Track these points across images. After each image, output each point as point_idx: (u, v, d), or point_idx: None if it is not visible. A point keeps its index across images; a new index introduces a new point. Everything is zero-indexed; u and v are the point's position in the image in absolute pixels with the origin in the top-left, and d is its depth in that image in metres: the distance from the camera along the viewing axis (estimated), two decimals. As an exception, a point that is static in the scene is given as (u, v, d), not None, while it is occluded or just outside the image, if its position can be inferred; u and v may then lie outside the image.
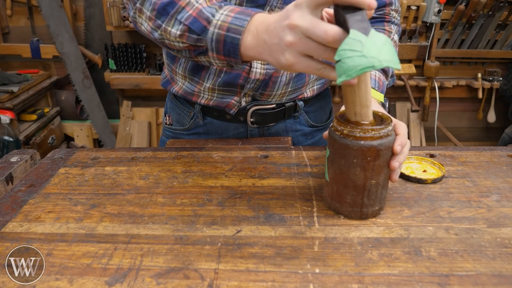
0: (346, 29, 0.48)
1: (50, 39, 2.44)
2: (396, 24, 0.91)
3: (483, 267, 0.50)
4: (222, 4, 0.64)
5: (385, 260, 0.52)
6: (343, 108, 0.67)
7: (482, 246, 0.54)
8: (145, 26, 0.70)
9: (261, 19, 0.58)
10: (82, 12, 2.51)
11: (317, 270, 0.50)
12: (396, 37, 0.90)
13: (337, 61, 0.48)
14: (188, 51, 0.67)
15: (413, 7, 2.34)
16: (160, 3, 0.66)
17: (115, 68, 2.46)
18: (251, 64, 0.80)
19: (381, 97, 0.80)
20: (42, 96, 2.51)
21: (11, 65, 2.61)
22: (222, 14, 0.61)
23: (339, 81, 0.48)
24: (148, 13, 0.68)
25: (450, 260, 0.52)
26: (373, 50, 0.46)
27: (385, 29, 0.88)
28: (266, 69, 0.81)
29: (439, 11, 2.31)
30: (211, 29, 0.61)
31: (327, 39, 0.48)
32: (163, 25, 0.67)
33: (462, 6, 2.26)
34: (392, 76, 0.89)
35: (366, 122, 0.57)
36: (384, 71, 0.84)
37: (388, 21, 0.89)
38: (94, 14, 2.50)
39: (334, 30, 0.48)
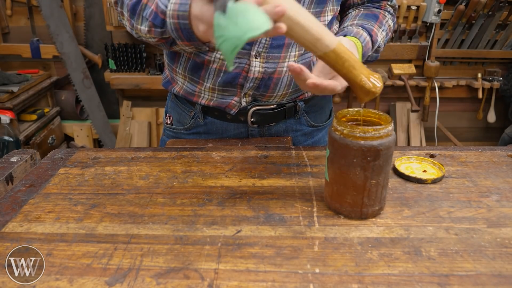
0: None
1: (50, 39, 2.44)
2: (391, 14, 0.93)
3: (483, 267, 0.50)
4: None
5: (385, 260, 0.52)
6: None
7: (482, 246, 0.54)
8: (127, 27, 0.76)
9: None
10: (82, 12, 2.51)
11: (317, 270, 0.50)
12: (390, 22, 0.91)
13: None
14: (163, 44, 0.72)
15: (413, 7, 2.34)
16: (131, 3, 0.72)
17: (115, 68, 2.46)
18: (249, 63, 0.80)
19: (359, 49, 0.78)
20: (42, 96, 2.51)
21: (11, 65, 2.61)
22: (172, 3, 0.65)
23: (230, 69, 0.51)
24: (126, 15, 0.75)
25: (450, 260, 0.52)
26: (232, 29, 0.47)
27: (380, 12, 0.90)
28: (265, 67, 0.81)
29: (439, 11, 2.30)
30: (168, 20, 0.66)
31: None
32: (135, 24, 0.73)
33: (462, 6, 2.26)
34: (377, 51, 0.88)
35: (332, 48, 0.57)
36: (372, 41, 0.83)
37: (383, 9, 0.91)
38: (94, 14, 2.50)
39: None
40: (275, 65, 0.82)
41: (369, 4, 0.92)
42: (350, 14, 0.92)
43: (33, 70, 2.57)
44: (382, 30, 0.88)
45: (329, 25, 0.87)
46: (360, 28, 0.82)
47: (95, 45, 2.59)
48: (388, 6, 0.93)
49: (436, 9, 2.29)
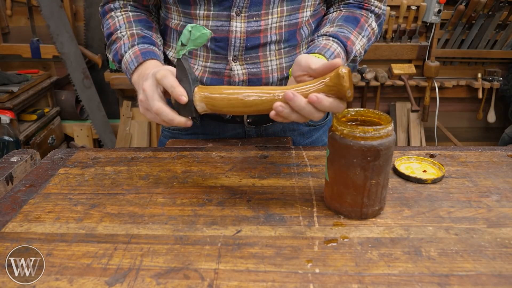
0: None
1: (50, 39, 2.44)
2: (375, 14, 0.88)
3: (483, 267, 0.50)
4: (135, 43, 0.83)
5: (385, 260, 0.52)
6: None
7: (482, 246, 0.54)
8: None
9: (141, 70, 0.79)
10: (82, 12, 2.51)
11: (317, 270, 0.50)
12: (374, 24, 0.87)
13: None
14: None
15: (413, 7, 2.34)
16: (106, 32, 0.89)
17: (115, 68, 2.46)
18: (230, 24, 0.79)
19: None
20: (42, 96, 2.51)
21: (11, 65, 2.61)
22: (128, 54, 0.82)
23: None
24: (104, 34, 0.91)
25: (450, 260, 0.52)
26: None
27: (362, 14, 0.86)
28: (247, 26, 0.79)
29: (439, 11, 2.31)
30: (122, 62, 0.85)
31: (153, 109, 0.68)
32: (106, 50, 0.91)
33: (462, 6, 2.26)
34: (354, 61, 0.85)
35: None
36: (347, 52, 0.81)
37: (366, 9, 0.87)
38: (94, 14, 2.50)
39: (156, 106, 0.67)
40: (258, 22, 0.79)
41: (351, 1, 0.87)
42: (330, 15, 0.87)
43: (33, 70, 2.57)
44: (363, 37, 0.84)
45: (306, 19, 0.84)
46: (332, 39, 0.79)
47: (95, 45, 2.59)
48: (371, 5, 0.87)
49: (436, 9, 2.29)
